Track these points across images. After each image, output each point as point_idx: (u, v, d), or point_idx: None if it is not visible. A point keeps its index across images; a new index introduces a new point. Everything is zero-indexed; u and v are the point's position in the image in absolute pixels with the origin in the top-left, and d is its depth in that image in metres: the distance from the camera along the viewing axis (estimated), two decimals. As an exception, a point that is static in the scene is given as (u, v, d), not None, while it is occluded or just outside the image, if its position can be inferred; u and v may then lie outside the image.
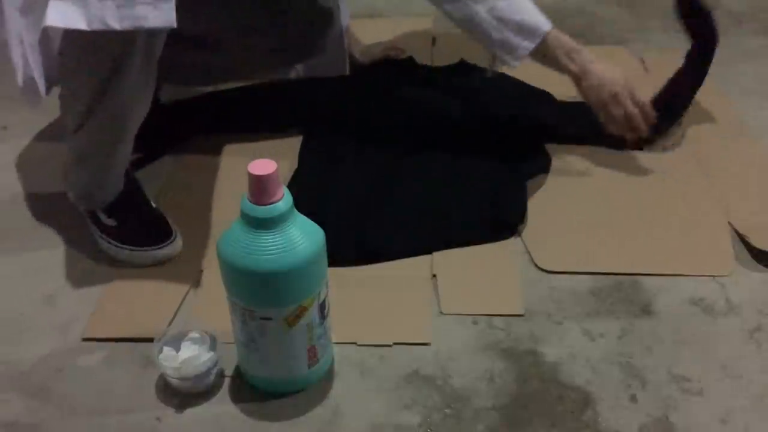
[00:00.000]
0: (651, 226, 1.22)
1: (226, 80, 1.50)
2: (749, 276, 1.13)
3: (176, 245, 1.16)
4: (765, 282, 1.12)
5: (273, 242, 0.83)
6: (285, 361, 0.92)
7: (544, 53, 1.23)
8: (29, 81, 1.01)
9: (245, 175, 0.82)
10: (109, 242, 1.16)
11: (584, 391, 0.96)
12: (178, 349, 0.96)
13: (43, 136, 1.48)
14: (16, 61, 1.01)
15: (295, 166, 1.36)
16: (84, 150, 1.12)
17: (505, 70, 1.48)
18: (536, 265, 1.15)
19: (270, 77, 1.52)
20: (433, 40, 1.77)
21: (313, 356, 0.93)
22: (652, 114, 1.29)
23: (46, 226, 1.25)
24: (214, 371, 0.96)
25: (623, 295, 1.10)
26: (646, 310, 1.08)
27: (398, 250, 1.17)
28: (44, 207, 1.29)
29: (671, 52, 1.74)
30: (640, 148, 1.39)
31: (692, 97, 1.43)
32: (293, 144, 1.42)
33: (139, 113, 1.09)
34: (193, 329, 0.98)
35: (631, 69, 1.59)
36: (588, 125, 1.44)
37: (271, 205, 0.83)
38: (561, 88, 1.54)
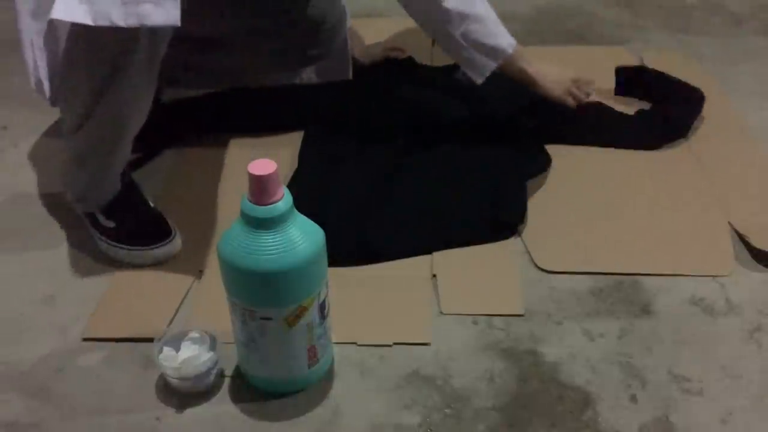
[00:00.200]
0: (651, 226, 1.22)
1: (232, 83, 1.50)
2: (749, 276, 1.13)
3: (175, 244, 1.16)
4: (765, 282, 1.12)
5: (273, 242, 0.83)
6: (285, 361, 0.92)
7: (505, 65, 1.32)
8: (39, 83, 1.03)
9: (245, 174, 0.82)
10: (109, 243, 1.16)
11: (584, 391, 0.96)
12: (178, 349, 0.96)
13: (43, 136, 1.48)
14: (29, 64, 1.02)
15: (295, 166, 1.36)
16: (83, 150, 1.12)
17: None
18: (536, 265, 1.15)
19: (275, 81, 1.52)
20: (433, 40, 1.77)
21: (313, 356, 0.93)
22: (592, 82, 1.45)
23: (46, 226, 1.25)
24: (214, 371, 0.96)
25: (623, 295, 1.10)
26: (646, 310, 1.08)
27: (398, 250, 1.17)
28: (44, 207, 1.29)
29: (670, 52, 1.75)
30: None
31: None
32: (293, 143, 1.42)
33: (139, 114, 1.09)
34: (193, 329, 0.98)
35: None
36: (588, 125, 1.45)
37: (271, 205, 0.83)
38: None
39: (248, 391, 0.96)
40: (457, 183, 1.30)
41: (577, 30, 1.87)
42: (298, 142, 1.42)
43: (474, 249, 1.18)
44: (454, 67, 1.63)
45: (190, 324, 1.02)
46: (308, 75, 1.54)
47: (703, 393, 0.96)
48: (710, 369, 0.99)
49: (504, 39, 1.30)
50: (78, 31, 0.95)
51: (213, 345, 0.97)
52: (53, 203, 1.29)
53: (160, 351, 0.96)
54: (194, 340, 0.97)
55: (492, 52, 1.29)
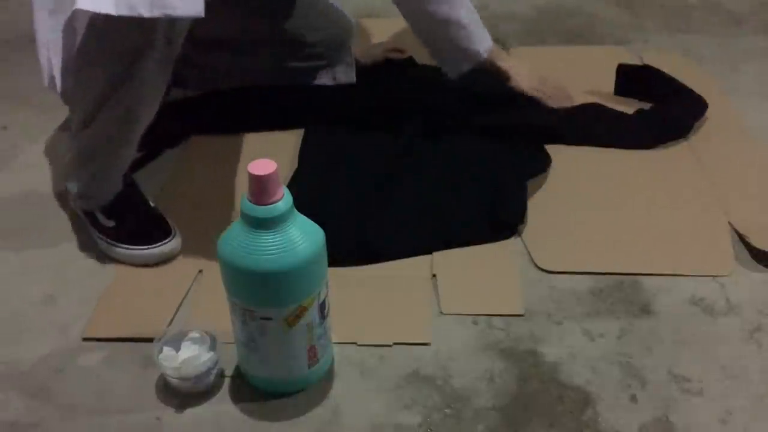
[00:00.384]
0: (651, 226, 1.22)
1: (234, 84, 1.51)
2: (749, 276, 1.13)
3: (175, 243, 1.16)
4: (765, 282, 1.12)
5: (273, 242, 0.83)
6: (285, 361, 0.92)
7: (481, 65, 1.40)
8: (52, 80, 1.02)
9: (245, 174, 0.82)
10: (109, 242, 1.16)
11: (584, 391, 0.96)
12: (178, 349, 0.96)
13: (43, 136, 1.48)
14: (43, 62, 1.02)
15: (295, 166, 1.36)
16: (90, 147, 1.11)
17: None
18: (536, 265, 1.15)
19: (276, 82, 1.53)
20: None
21: (313, 356, 0.93)
22: (565, 87, 1.51)
23: (47, 226, 1.25)
24: (214, 371, 0.96)
25: (623, 295, 1.10)
26: (646, 310, 1.08)
27: (398, 250, 1.17)
28: (44, 207, 1.29)
29: (670, 52, 1.75)
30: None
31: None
32: (293, 143, 1.42)
33: (149, 112, 1.09)
34: (193, 329, 0.98)
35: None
36: (588, 125, 1.45)
37: (271, 205, 0.83)
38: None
39: (248, 391, 0.96)
40: (457, 183, 1.30)
41: (577, 30, 1.87)
42: (298, 142, 1.42)
43: (474, 249, 1.18)
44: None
45: (190, 324, 1.02)
46: (311, 79, 1.54)
47: (703, 393, 0.96)
48: (710, 369, 0.99)
49: (481, 44, 1.37)
50: (97, 24, 0.94)
51: (213, 345, 0.97)
52: (53, 203, 1.29)
53: (160, 351, 0.96)
54: (194, 340, 0.97)
55: (467, 55, 1.37)
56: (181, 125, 1.46)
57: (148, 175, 1.32)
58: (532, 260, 1.16)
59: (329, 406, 0.95)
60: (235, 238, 0.85)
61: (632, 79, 1.56)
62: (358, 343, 1.03)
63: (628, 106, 1.50)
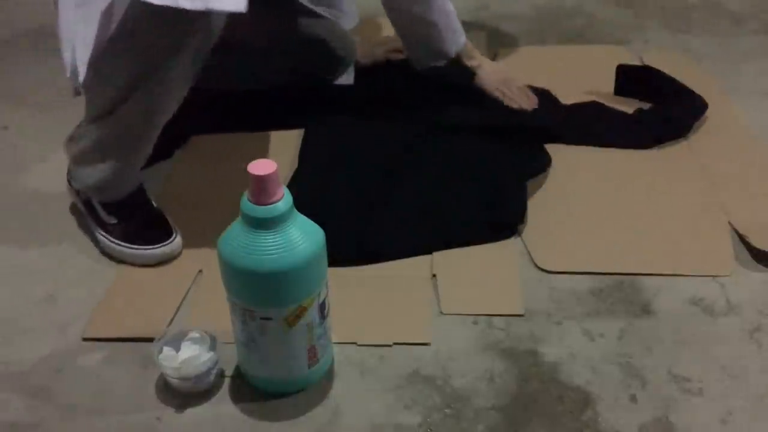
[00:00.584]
0: (651, 226, 1.22)
1: (238, 86, 1.51)
2: (749, 276, 1.13)
3: (176, 244, 1.16)
4: (765, 282, 1.12)
5: (273, 242, 0.84)
6: (285, 361, 0.92)
7: (448, 61, 1.48)
8: (75, 72, 1.01)
9: (246, 174, 0.82)
10: (108, 239, 1.16)
11: (584, 391, 0.96)
12: (178, 349, 0.96)
13: (43, 136, 1.48)
14: (66, 57, 1.01)
15: (295, 166, 1.36)
16: (109, 138, 1.11)
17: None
18: (536, 265, 1.15)
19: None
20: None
21: (313, 356, 0.93)
22: (527, 90, 1.52)
23: (46, 226, 1.25)
24: (214, 371, 0.96)
25: (623, 295, 1.10)
26: (646, 310, 1.08)
27: (398, 250, 1.17)
28: (44, 207, 1.29)
29: (670, 52, 1.75)
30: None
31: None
32: (293, 143, 1.42)
33: (170, 107, 1.10)
34: (193, 329, 0.98)
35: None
36: (588, 125, 1.45)
37: (271, 205, 0.83)
38: (562, 90, 1.55)
39: (248, 391, 0.96)
40: (457, 183, 1.30)
41: (577, 30, 1.87)
42: (298, 142, 1.42)
43: (474, 249, 1.18)
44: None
45: (190, 324, 1.02)
46: (311, 79, 1.55)
47: (703, 393, 0.96)
48: (710, 369, 0.99)
49: (450, 45, 1.44)
50: (135, 14, 0.94)
51: (213, 345, 0.97)
52: (53, 203, 1.29)
53: (160, 351, 0.96)
54: (194, 340, 0.97)
55: (435, 53, 1.45)
56: (183, 125, 1.45)
57: (147, 175, 1.31)
58: (532, 260, 1.16)
59: (329, 406, 0.95)
60: (235, 238, 0.85)
61: (632, 79, 1.56)
62: (358, 343, 1.03)
63: (628, 106, 1.50)
